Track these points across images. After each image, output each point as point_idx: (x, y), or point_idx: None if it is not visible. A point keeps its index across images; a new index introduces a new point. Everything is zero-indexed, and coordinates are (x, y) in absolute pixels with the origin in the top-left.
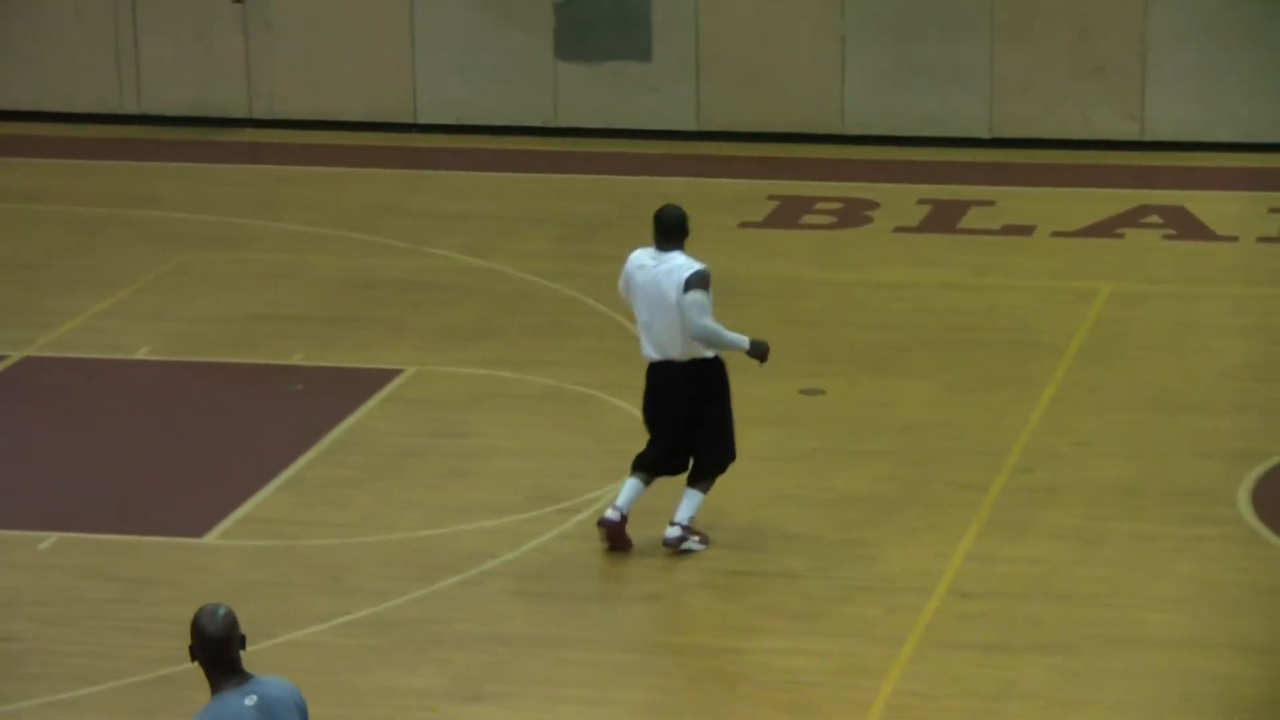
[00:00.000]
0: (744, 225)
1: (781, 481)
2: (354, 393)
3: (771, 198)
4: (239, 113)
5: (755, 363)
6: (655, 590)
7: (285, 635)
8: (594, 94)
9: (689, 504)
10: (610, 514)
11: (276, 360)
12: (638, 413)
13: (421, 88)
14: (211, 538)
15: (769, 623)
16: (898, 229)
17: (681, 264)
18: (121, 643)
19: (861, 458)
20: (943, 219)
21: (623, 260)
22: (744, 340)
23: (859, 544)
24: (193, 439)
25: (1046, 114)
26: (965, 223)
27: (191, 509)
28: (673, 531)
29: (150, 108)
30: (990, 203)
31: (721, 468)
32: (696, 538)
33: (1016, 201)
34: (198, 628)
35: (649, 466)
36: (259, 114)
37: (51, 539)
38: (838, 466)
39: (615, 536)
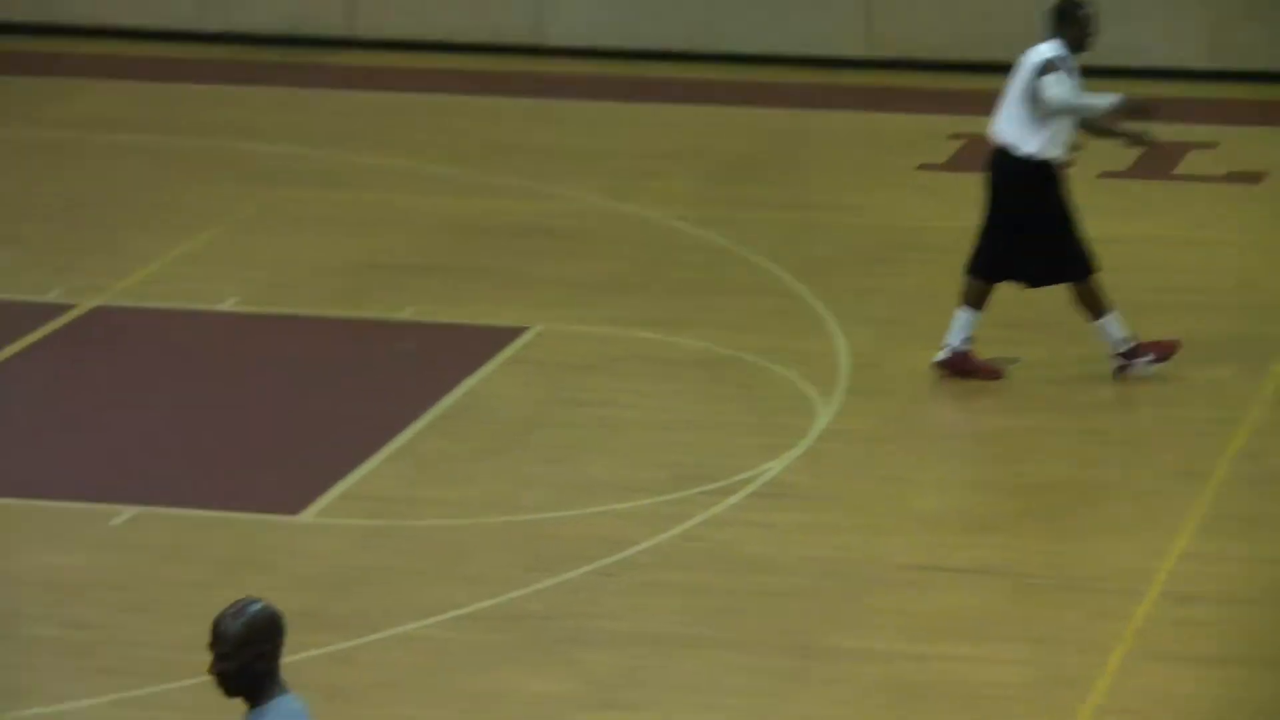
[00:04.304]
0: (923, 167)
1: (969, 464)
2: (471, 354)
3: (955, 136)
4: (339, 32)
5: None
6: (824, 586)
7: (393, 629)
8: (748, 13)
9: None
10: (940, 355)
11: (383, 315)
12: (800, 382)
13: (550, 5)
14: (309, 515)
15: (956, 626)
16: (1103, 174)
17: (1041, 49)
18: (204, 634)
19: (1062, 437)
20: (1157, 162)
21: (779, 205)
22: (1107, 99)
23: (1059, 537)
24: (288, 403)
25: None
26: (1184, 168)
27: (287, 483)
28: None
29: (236, 25)
30: (1212, 145)
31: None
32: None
33: (1245, 144)
34: (275, 623)
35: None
36: (362, 34)
37: (127, 514)
38: (1034, 447)
39: (961, 369)
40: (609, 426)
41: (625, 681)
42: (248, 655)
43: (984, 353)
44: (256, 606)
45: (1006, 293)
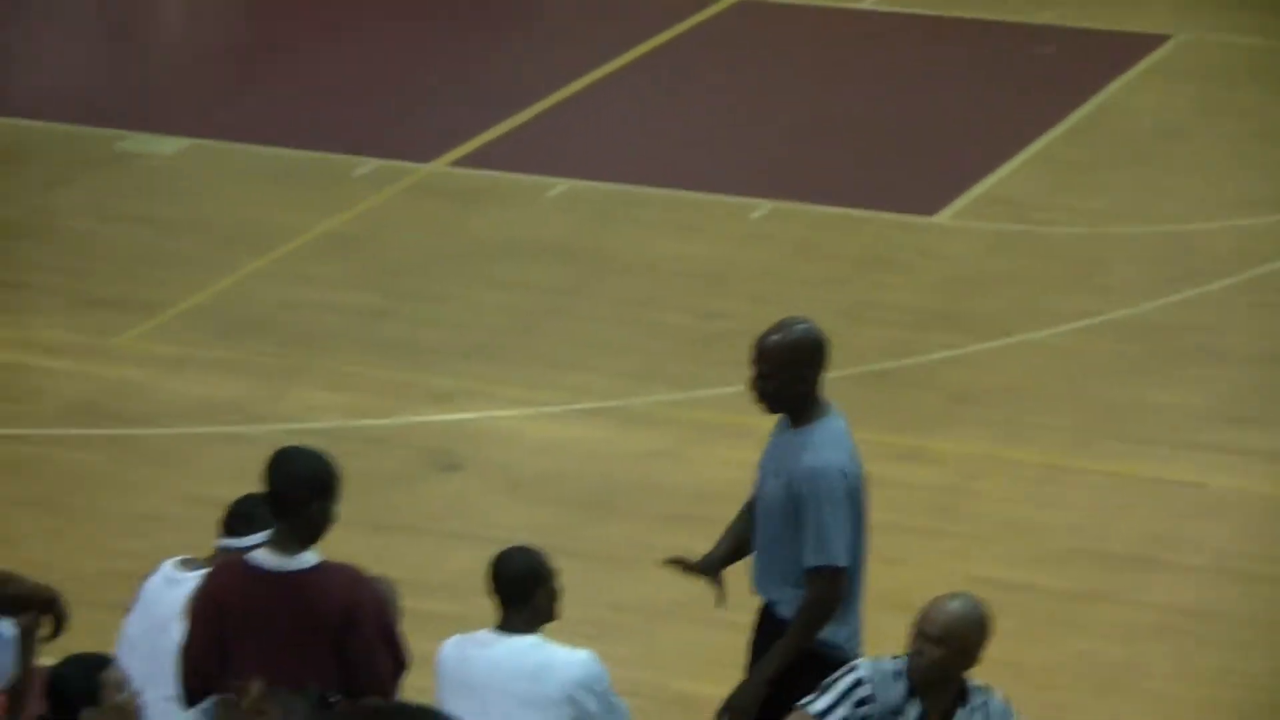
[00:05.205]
0: None
1: None
2: (1111, 60)
3: None
4: None
5: None
6: None
7: (1025, 334)
8: None
9: None
10: None
11: (1024, 19)
12: None
13: None
14: (944, 217)
15: None
16: None
17: None
18: (834, 329)
19: None
20: None
21: None
22: None
23: None
24: (926, 103)
25: None
26: None
27: (923, 183)
28: None
29: None
30: None
31: None
32: None
33: None
34: (818, 345)
35: None
36: None
37: (765, 208)
38: None
39: None
40: (1252, 139)
41: (1259, 399)
42: (787, 376)
43: None
44: (802, 327)
45: None
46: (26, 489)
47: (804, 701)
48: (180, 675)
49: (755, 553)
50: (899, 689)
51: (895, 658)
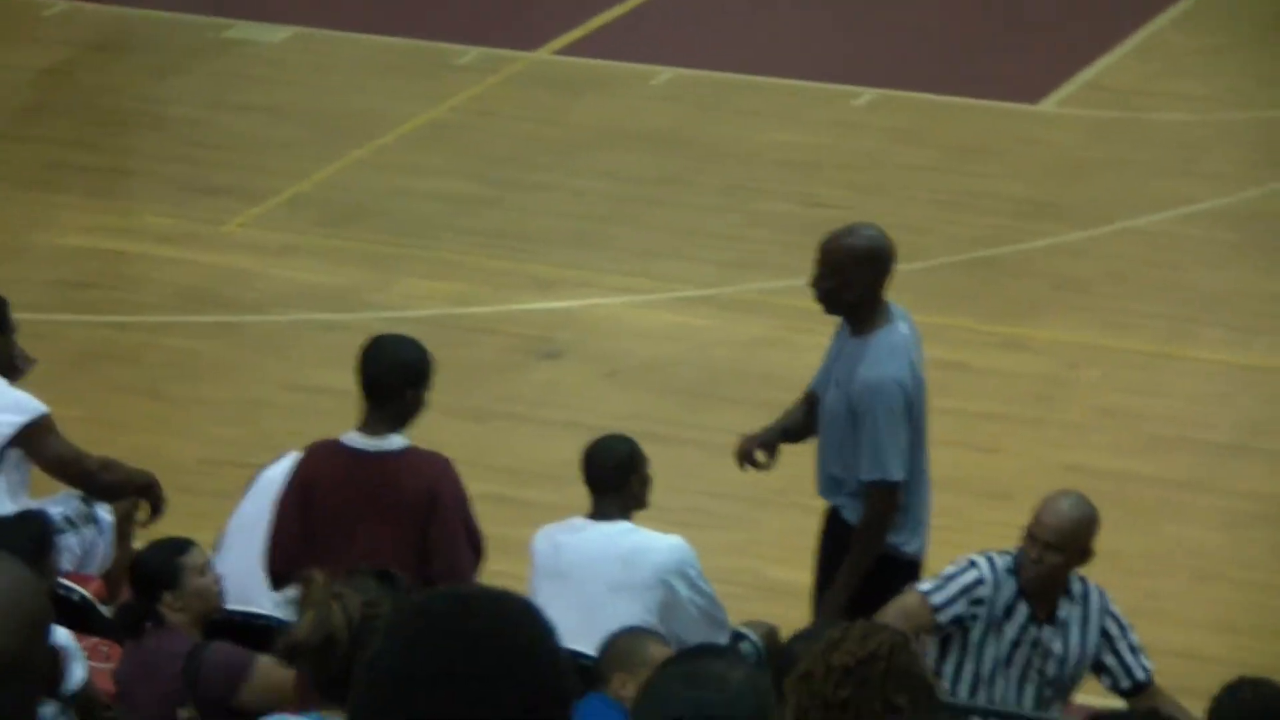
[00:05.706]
0: None
1: None
2: None
3: None
4: None
5: None
6: None
7: (1125, 221)
8: None
9: None
10: None
11: None
12: None
13: None
14: (1048, 105)
15: None
16: None
17: None
18: (934, 217)
19: None
20: None
21: None
22: None
23: None
24: None
25: None
26: None
27: (1027, 70)
28: None
29: None
30: None
31: None
32: None
33: None
34: (878, 255)
35: None
36: None
37: (867, 95)
38: None
39: None
40: None
41: None
42: (842, 280)
43: None
44: (867, 234)
45: None
46: (131, 375)
47: (924, 588)
48: (267, 558)
49: (819, 459)
50: (1011, 588)
51: (1005, 553)
